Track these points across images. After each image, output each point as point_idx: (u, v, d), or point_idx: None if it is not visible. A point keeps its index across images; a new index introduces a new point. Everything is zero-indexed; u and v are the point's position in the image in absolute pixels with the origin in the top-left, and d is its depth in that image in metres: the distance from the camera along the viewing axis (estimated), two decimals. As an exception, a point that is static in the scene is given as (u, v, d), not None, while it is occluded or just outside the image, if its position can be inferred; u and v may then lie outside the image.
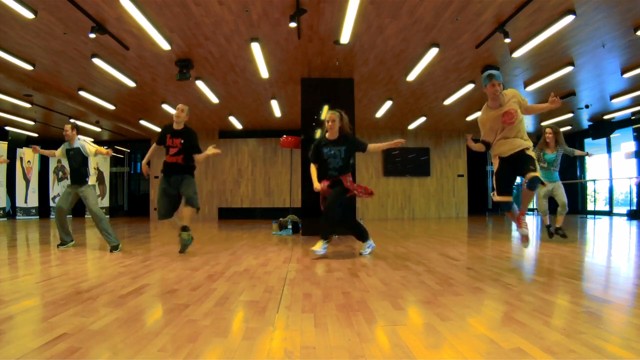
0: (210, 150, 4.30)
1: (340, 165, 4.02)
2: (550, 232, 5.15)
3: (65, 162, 4.84)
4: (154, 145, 4.50)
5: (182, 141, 4.24)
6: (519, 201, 4.91)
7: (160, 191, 4.29)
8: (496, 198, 3.46)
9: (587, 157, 5.70)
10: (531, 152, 3.31)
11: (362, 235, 4.19)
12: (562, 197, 5.03)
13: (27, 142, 11.48)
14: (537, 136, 13.06)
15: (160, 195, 4.27)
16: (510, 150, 3.33)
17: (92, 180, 4.79)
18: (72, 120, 4.87)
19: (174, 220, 4.33)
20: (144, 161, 4.49)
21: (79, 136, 4.77)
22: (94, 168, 12.46)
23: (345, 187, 4.01)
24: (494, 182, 3.50)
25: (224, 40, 5.48)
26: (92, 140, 13.40)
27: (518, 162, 3.30)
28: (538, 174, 3.19)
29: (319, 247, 3.99)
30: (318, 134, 6.81)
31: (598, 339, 1.60)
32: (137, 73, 6.73)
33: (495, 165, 3.49)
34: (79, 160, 4.67)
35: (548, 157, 5.10)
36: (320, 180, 4.07)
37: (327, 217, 3.93)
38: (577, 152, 5.35)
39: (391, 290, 2.54)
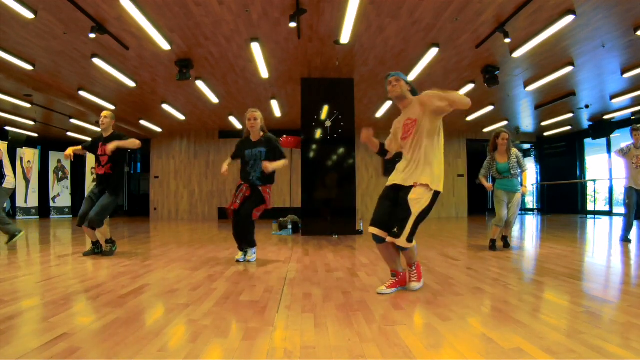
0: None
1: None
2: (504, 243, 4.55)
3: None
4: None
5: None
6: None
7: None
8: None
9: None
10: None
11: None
12: (514, 208, 4.40)
13: (27, 142, 11.46)
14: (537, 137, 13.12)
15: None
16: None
17: (8, 182, 4.79)
18: None
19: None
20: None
21: None
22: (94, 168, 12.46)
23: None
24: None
25: (224, 40, 5.48)
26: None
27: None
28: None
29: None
30: (318, 134, 6.82)
31: (598, 339, 1.60)
32: (137, 73, 6.73)
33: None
34: None
35: (500, 167, 4.38)
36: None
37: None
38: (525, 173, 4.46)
39: (391, 290, 2.54)
